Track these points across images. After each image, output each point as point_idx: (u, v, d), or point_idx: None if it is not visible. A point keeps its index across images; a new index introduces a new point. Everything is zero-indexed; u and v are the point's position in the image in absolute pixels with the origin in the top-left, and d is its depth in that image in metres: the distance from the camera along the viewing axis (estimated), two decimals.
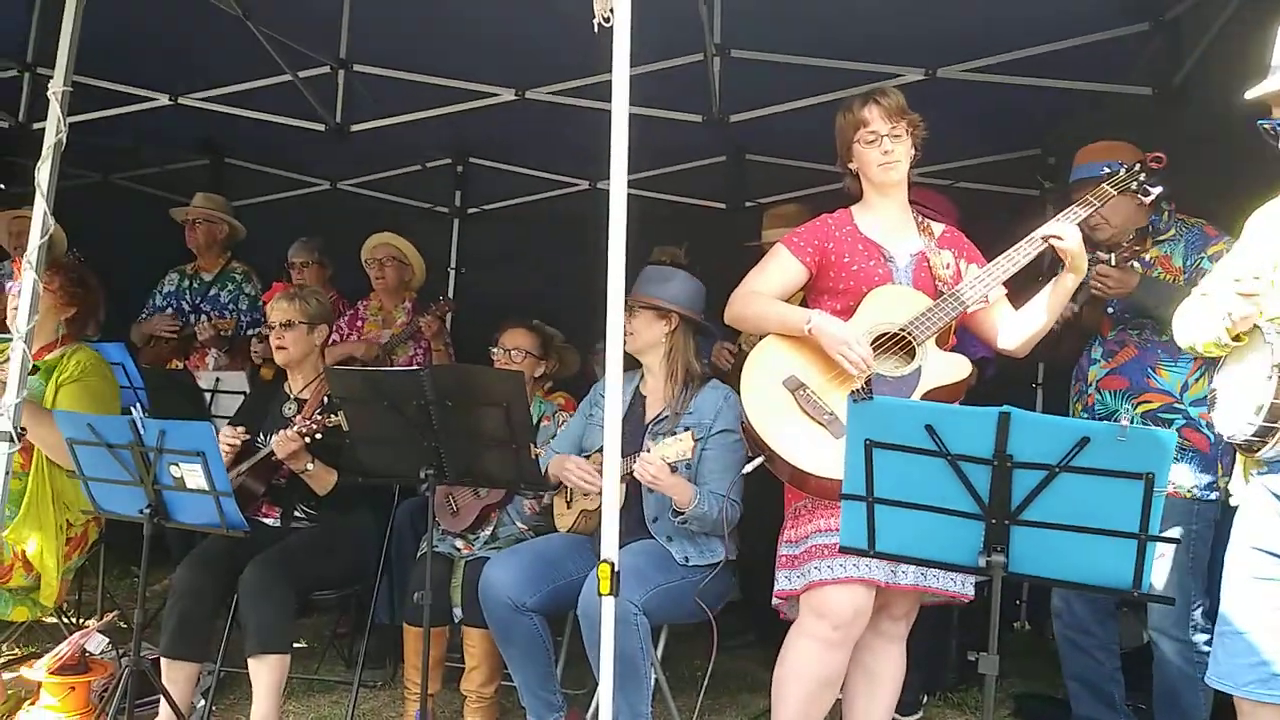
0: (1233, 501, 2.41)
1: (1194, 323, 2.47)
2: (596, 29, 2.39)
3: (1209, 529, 3.08)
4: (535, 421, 3.68)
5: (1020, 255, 2.75)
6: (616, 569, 2.36)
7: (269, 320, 3.77)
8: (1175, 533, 3.01)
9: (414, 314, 4.78)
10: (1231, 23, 3.36)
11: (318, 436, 3.39)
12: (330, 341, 4.68)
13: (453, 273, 5.77)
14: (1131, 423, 2.69)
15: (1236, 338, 2.32)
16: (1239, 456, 2.41)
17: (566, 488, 3.30)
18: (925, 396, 2.67)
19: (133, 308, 5.17)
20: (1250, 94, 2.33)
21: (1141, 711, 3.31)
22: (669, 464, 2.95)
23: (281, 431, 3.42)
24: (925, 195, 4.04)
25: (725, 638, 3.40)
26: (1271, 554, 2.30)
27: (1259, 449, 2.27)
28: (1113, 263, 3.09)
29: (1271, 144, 2.30)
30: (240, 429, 3.54)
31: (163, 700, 3.16)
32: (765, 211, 4.56)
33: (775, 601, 2.85)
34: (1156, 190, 2.87)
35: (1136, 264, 3.14)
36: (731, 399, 3.17)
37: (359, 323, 4.88)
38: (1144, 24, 3.70)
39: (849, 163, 2.89)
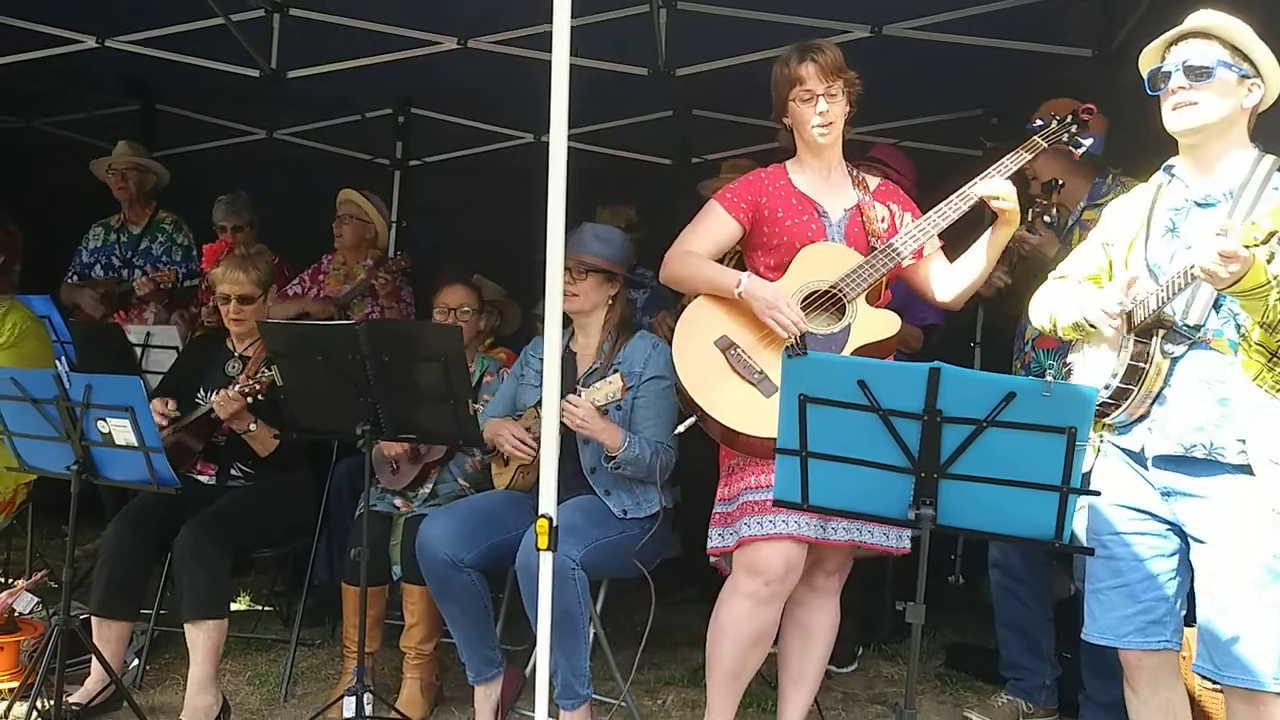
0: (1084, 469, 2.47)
1: (1053, 301, 2.54)
2: None
3: None
4: (478, 378, 3.65)
5: (952, 210, 2.75)
6: (554, 524, 2.36)
7: (219, 289, 3.60)
8: None
9: (374, 271, 4.70)
10: None
11: (260, 397, 3.29)
12: (291, 294, 4.59)
13: (394, 226, 5.64)
14: (1055, 378, 2.74)
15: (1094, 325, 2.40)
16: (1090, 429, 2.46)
17: None
18: (855, 353, 2.69)
19: (56, 256, 5.00)
20: None
21: (1066, 660, 3.40)
22: (601, 408, 2.95)
23: (223, 390, 3.33)
24: (885, 152, 4.04)
25: (666, 592, 3.42)
26: (1137, 509, 2.39)
27: (1111, 413, 2.35)
28: (1029, 219, 3.14)
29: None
30: (171, 403, 3.42)
31: (94, 660, 3.11)
32: (723, 166, 4.52)
33: (712, 559, 2.87)
34: (1087, 142, 2.85)
35: (1046, 217, 3.18)
36: (660, 346, 3.17)
37: (321, 277, 4.77)
38: None
39: (784, 117, 2.85)
